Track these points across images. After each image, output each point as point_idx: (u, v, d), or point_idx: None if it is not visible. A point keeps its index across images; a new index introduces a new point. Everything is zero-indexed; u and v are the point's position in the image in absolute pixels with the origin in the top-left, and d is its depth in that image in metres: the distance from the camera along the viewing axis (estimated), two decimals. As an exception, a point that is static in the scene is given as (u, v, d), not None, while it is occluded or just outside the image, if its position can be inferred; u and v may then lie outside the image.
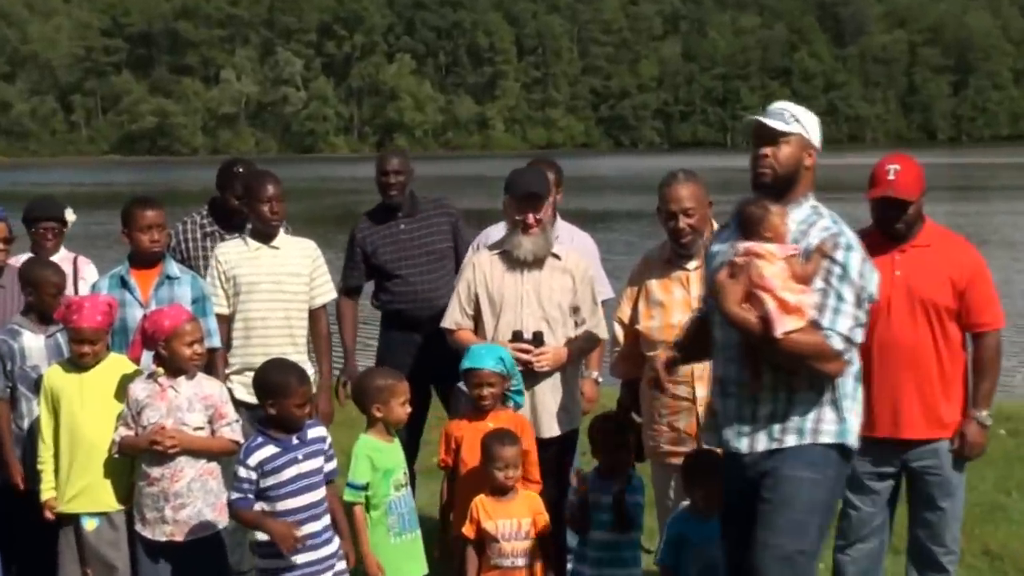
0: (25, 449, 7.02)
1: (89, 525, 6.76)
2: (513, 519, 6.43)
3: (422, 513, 7.17)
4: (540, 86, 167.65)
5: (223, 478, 6.68)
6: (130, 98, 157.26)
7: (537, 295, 7.06)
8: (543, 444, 6.90)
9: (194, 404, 6.59)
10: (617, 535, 6.62)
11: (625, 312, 6.79)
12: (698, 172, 6.74)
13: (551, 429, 7.04)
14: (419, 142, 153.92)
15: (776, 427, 5.32)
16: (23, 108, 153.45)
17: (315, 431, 6.13)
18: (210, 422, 6.62)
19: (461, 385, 7.23)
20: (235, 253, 7.81)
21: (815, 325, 5.15)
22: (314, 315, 7.90)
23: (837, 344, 5.19)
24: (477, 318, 7.18)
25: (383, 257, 8.38)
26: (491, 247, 7.33)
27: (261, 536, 6.07)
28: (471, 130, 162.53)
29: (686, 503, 6.37)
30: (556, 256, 7.14)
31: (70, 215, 8.66)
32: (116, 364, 6.87)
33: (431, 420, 8.48)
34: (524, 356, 6.89)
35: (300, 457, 6.02)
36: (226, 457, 6.62)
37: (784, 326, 5.10)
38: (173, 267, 7.52)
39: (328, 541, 6.10)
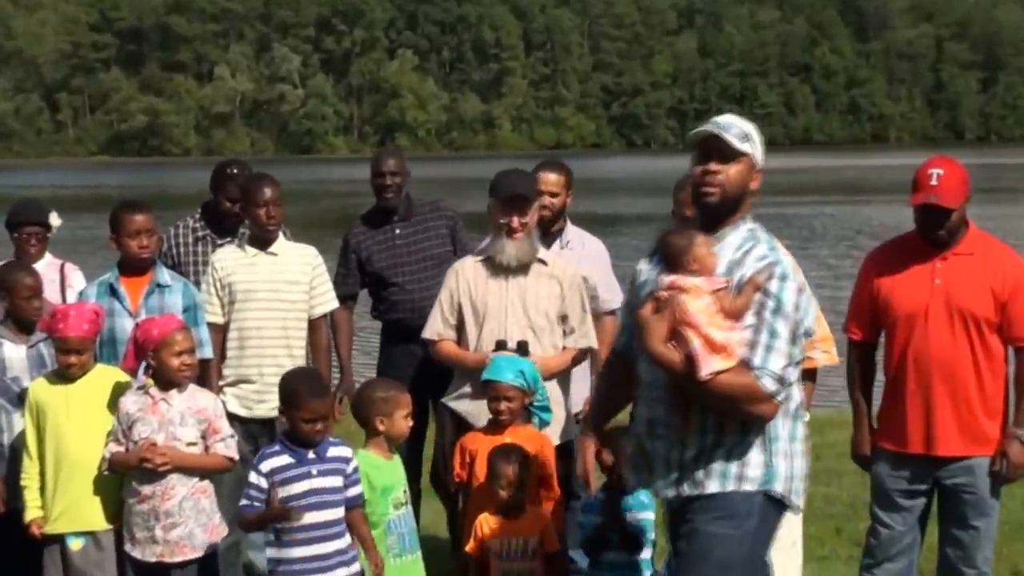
0: (7, 466, 7.00)
1: (75, 545, 6.73)
2: (518, 538, 6.42)
3: (426, 532, 7.19)
4: (549, 83, 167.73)
5: (216, 497, 6.67)
6: (119, 96, 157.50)
7: (523, 303, 7.06)
8: None
9: (187, 418, 6.58)
10: (626, 555, 6.61)
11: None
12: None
13: None
14: (422, 142, 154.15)
15: (700, 471, 5.15)
16: (7, 107, 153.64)
17: (338, 450, 6.12)
18: (203, 437, 6.61)
19: (446, 400, 7.21)
20: (232, 259, 7.80)
21: (745, 365, 4.96)
22: (313, 325, 7.89)
23: (769, 385, 4.97)
24: (460, 328, 7.16)
25: (378, 264, 8.36)
26: (475, 253, 7.33)
27: (272, 551, 6.06)
28: (476, 129, 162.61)
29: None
30: (542, 262, 7.13)
31: (55, 219, 8.64)
32: (104, 375, 6.86)
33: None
34: None
35: (314, 472, 6.02)
36: (219, 475, 6.62)
37: (710, 366, 4.91)
38: (164, 275, 7.51)
39: (344, 564, 6.07)
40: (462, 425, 7.12)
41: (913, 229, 6.61)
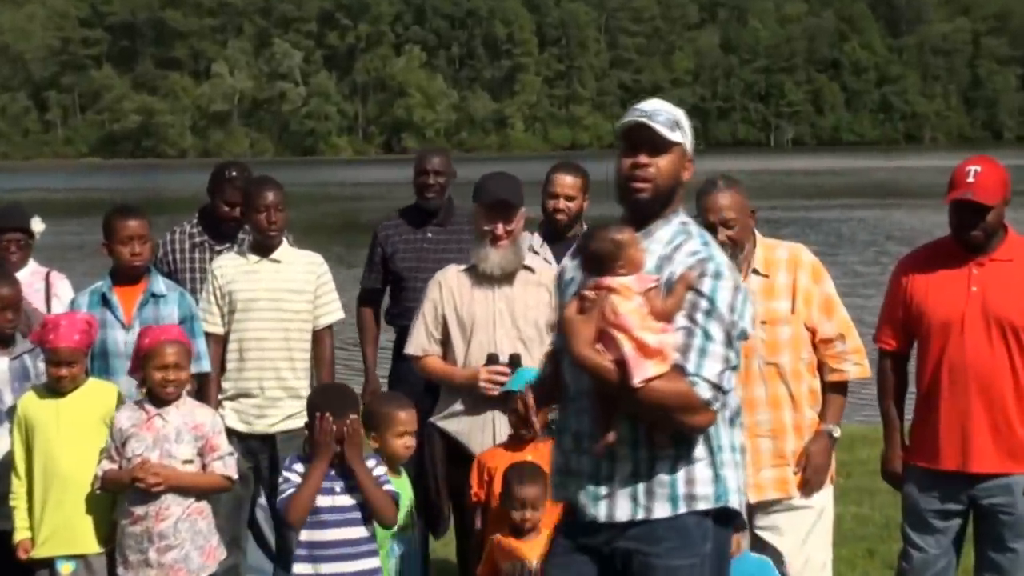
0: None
1: (64, 569, 6.74)
2: (532, 560, 6.41)
3: (435, 556, 7.19)
4: (564, 81, 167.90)
5: (214, 518, 6.67)
6: (111, 95, 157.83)
7: (511, 313, 7.04)
8: None
9: (183, 435, 6.58)
10: None
11: (656, 331, 6.75)
12: (738, 176, 6.72)
13: None
14: (430, 143, 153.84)
15: (640, 489, 4.88)
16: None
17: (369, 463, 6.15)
18: (200, 455, 6.62)
19: (435, 420, 7.13)
20: (233, 267, 7.80)
21: (679, 370, 4.76)
22: (317, 337, 7.87)
23: (704, 393, 4.77)
24: (446, 342, 7.13)
25: (400, 264, 8.38)
26: (458, 261, 7.32)
27: (299, 567, 6.10)
28: (487, 129, 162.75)
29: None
30: (529, 269, 7.12)
31: (37, 225, 8.57)
32: (96, 390, 6.87)
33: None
34: (502, 380, 6.87)
35: (337, 489, 6.05)
36: (217, 495, 6.62)
37: (644, 372, 4.71)
38: (159, 283, 7.51)
39: None
40: (453, 447, 7.07)
41: (948, 234, 6.59)
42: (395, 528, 6.35)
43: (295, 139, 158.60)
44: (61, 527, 6.71)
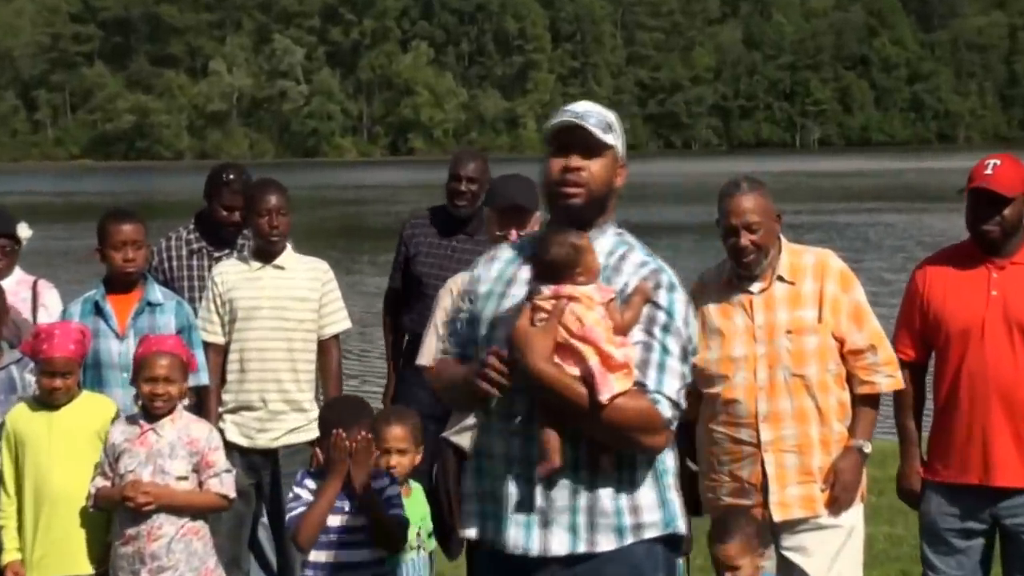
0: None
1: (56, 591, 6.76)
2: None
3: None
4: (578, 78, 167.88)
5: (214, 537, 6.67)
6: (104, 94, 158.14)
7: None
8: None
9: (177, 450, 6.59)
10: None
11: (678, 342, 6.74)
12: (762, 178, 6.72)
13: None
14: (438, 143, 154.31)
15: (581, 520, 4.71)
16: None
17: (376, 484, 6.13)
18: (196, 471, 6.62)
19: (447, 435, 7.12)
20: (234, 274, 7.80)
21: (639, 387, 4.64)
22: (323, 347, 7.86)
23: (666, 411, 4.65)
24: None
25: (420, 268, 8.39)
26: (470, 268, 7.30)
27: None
28: (498, 129, 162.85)
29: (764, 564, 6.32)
30: None
31: (24, 231, 8.54)
32: (89, 403, 6.88)
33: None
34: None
35: (347, 508, 6.05)
36: (216, 513, 6.62)
37: (611, 388, 4.56)
38: (156, 292, 7.52)
39: None
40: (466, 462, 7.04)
41: (966, 239, 6.60)
42: (408, 545, 6.35)
43: (296, 140, 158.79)
44: (53, 548, 6.72)
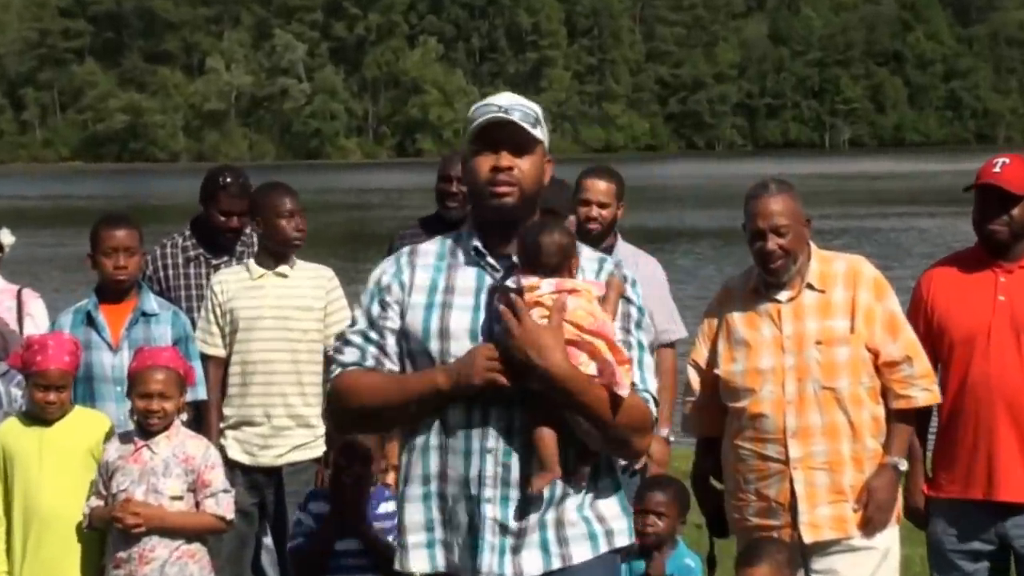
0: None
1: (47, 616, 6.77)
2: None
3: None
4: (595, 76, 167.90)
5: (215, 559, 6.67)
6: (95, 92, 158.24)
7: None
8: None
9: (172, 468, 6.60)
10: None
11: (701, 354, 6.74)
12: (790, 180, 6.72)
13: None
14: (447, 144, 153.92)
15: (550, 535, 4.71)
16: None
17: (387, 506, 6.15)
18: (192, 491, 6.62)
19: None
20: (235, 282, 7.82)
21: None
22: (329, 358, 7.84)
23: (654, 410, 4.77)
24: None
25: None
26: None
27: None
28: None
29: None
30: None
31: (7, 237, 8.56)
32: (83, 418, 6.90)
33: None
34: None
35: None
36: (216, 535, 6.62)
37: (626, 384, 4.61)
38: (150, 301, 7.53)
39: None
40: None
41: (974, 244, 6.62)
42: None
43: (298, 141, 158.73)
44: (43, 569, 6.74)
